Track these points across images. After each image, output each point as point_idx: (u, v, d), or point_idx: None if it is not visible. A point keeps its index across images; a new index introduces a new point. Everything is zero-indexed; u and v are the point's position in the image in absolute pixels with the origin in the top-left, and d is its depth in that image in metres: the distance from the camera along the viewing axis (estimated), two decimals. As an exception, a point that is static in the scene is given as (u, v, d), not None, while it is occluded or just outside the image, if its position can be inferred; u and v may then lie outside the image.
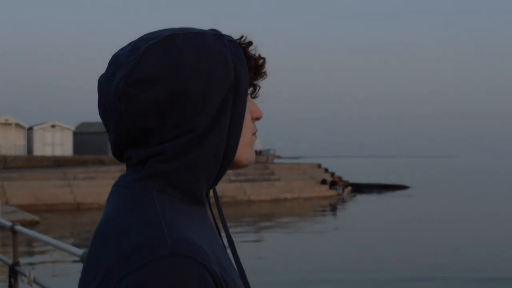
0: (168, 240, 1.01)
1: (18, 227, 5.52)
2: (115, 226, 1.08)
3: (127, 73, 1.10)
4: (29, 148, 47.15)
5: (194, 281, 0.99)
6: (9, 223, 5.75)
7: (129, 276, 0.99)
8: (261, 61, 1.22)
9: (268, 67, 1.24)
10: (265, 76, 1.24)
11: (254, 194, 36.67)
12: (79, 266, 15.08)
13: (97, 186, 32.56)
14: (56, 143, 48.29)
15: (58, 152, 47.66)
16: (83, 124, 54.09)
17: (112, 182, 33.74)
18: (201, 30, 1.18)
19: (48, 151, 47.40)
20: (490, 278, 14.25)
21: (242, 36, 1.21)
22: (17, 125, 46.00)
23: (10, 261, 5.59)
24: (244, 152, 1.21)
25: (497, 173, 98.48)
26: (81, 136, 51.92)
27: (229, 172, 37.89)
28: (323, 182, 42.13)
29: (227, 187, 36.22)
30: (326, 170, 45.55)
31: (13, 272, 5.58)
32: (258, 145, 62.96)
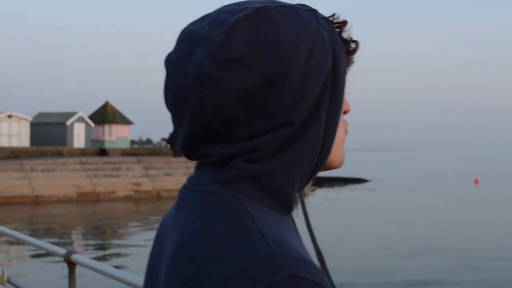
0: (281, 259, 0.82)
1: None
2: (206, 241, 0.87)
3: (213, 52, 0.90)
4: (-15, 139, 46.10)
5: None
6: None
7: None
8: (354, 45, 1.03)
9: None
10: (352, 63, 1.05)
11: (215, 187, 36.43)
12: (54, 264, 14.71)
13: (55, 178, 31.95)
14: (12, 133, 47.30)
15: (14, 143, 46.70)
16: (40, 114, 53.06)
17: (72, 174, 33.35)
18: (291, 3, 0.98)
19: (4, 142, 46.41)
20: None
21: (333, 14, 1.02)
22: (-28, 115, 44.94)
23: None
24: (337, 151, 1.02)
25: (452, 167, 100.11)
26: (39, 127, 50.97)
27: (189, 164, 37.63)
28: (284, 175, 42.08)
29: (181, 180, 35.80)
30: (287, 163, 45.48)
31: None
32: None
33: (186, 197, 0.97)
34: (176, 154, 41.53)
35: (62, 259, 3.80)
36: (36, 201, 30.13)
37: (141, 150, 47.97)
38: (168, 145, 48.66)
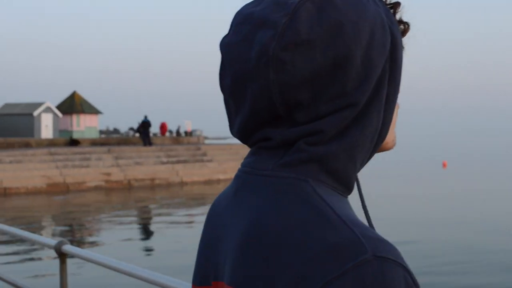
0: (363, 240, 0.82)
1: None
2: (282, 224, 0.86)
3: (279, 34, 0.88)
4: (-50, 131, 45.33)
5: None
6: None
7: (332, 285, 0.79)
8: (406, 26, 1.03)
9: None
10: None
11: (186, 176, 36.36)
12: (40, 255, 14.51)
13: (24, 169, 31.57)
14: (-22, 125, 46.58)
15: (-20, 135, 45.98)
16: (6, 105, 52.28)
17: (41, 165, 32.92)
18: None
19: (-30, 134, 45.68)
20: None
21: None
22: None
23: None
24: (391, 132, 1.03)
25: (416, 151, 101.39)
26: (5, 118, 50.26)
27: (160, 153, 37.49)
28: (255, 162, 42.18)
29: (159, 169, 35.75)
30: (257, 151, 45.60)
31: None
32: (188, 126, 62.39)
33: (248, 182, 0.95)
34: (145, 143, 41.29)
35: (44, 249, 3.76)
36: (5, 193, 29.74)
37: (110, 139, 47.56)
38: (137, 134, 48.29)
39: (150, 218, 22.99)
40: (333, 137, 0.91)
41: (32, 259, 14.18)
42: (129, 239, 17.46)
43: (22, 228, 18.23)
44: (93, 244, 16.88)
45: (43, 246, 3.90)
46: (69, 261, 3.83)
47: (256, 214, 0.90)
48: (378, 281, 0.78)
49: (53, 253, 3.83)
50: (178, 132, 60.47)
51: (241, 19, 0.95)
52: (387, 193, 29.68)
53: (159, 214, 23.41)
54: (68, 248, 3.71)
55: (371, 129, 0.93)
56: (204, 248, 1.03)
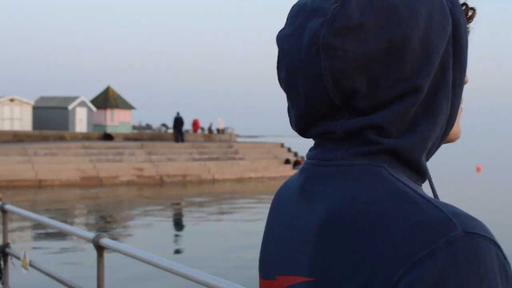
0: (451, 217, 0.80)
1: (9, 206, 5.19)
2: (366, 208, 0.84)
3: (329, 20, 0.86)
4: (-13, 123, 46.09)
5: (495, 264, 0.79)
6: (-3, 202, 5.43)
7: (422, 263, 0.77)
8: (470, 12, 1.00)
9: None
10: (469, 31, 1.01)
11: (218, 173, 36.45)
12: (76, 248, 14.68)
13: (58, 162, 31.97)
14: (15, 117, 47.33)
15: (16, 127, 46.73)
16: (42, 98, 53.01)
17: (75, 159, 33.21)
18: None
19: (6, 126, 46.40)
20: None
21: None
22: (-26, 98, 44.89)
23: (-2, 242, 5.26)
24: (457, 122, 1.00)
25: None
26: (41, 111, 50.92)
27: (192, 150, 37.64)
28: (287, 161, 42.14)
29: (191, 165, 35.90)
30: (289, 150, 45.59)
31: (3, 255, 5.25)
32: (221, 123, 62.61)
33: (317, 173, 0.92)
34: (177, 139, 41.48)
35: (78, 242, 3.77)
36: (40, 185, 30.12)
37: (144, 135, 47.90)
38: (168, 130, 48.43)
39: (181, 214, 23.09)
40: (405, 128, 0.89)
41: (69, 251, 14.32)
42: (159, 234, 17.56)
43: (56, 219, 18.49)
44: (125, 237, 17.00)
45: (81, 238, 3.91)
46: (106, 254, 3.84)
47: (332, 202, 0.87)
48: (470, 256, 0.77)
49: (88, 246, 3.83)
50: (210, 130, 60.66)
51: (295, 12, 0.94)
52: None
53: (190, 211, 23.49)
54: (106, 241, 3.71)
55: (442, 116, 0.91)
56: (268, 241, 1.02)
